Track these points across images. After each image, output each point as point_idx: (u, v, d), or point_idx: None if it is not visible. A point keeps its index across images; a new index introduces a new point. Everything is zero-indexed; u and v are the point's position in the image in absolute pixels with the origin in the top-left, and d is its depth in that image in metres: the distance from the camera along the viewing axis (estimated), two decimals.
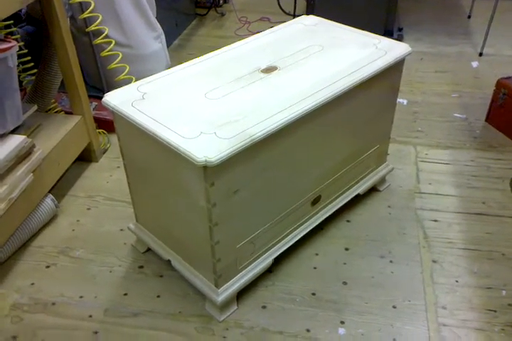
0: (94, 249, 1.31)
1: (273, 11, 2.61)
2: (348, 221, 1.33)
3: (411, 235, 1.29)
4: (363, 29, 1.27)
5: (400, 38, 2.25)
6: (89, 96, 1.74)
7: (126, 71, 1.55)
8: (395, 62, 1.11)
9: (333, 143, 1.13)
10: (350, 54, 1.12)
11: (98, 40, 1.52)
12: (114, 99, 1.01)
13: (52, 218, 1.41)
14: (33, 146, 1.28)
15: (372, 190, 1.40)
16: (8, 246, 1.27)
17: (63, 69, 1.44)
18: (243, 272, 1.10)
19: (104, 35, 1.51)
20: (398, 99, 1.80)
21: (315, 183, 1.15)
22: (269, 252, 1.14)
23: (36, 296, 1.19)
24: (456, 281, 1.16)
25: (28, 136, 1.34)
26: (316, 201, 1.18)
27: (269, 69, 1.08)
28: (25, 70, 1.64)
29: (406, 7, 2.68)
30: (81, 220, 1.41)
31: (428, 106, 1.84)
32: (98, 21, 1.50)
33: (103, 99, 1.02)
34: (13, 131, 1.30)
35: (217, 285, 1.06)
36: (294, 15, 2.36)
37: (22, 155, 1.25)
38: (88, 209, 1.45)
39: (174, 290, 1.18)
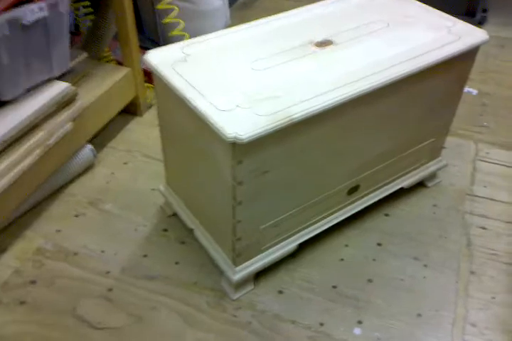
0: (123, 204, 1.30)
1: None
2: (386, 215, 1.25)
3: (453, 240, 1.19)
4: (443, 7, 1.14)
5: (482, 21, 2.04)
6: (143, 48, 1.71)
7: (180, 27, 1.48)
8: (468, 49, 0.98)
9: (382, 133, 1.03)
10: (418, 36, 1.00)
11: None
12: (155, 58, 0.95)
13: (90, 167, 1.41)
14: (76, 94, 1.26)
15: (420, 184, 1.29)
16: (42, 190, 1.28)
17: (117, 18, 1.39)
18: (264, 254, 1.05)
19: None
20: (467, 89, 1.66)
21: (354, 172, 1.07)
22: (294, 237, 1.08)
23: (61, 244, 1.19)
24: (493, 298, 1.07)
25: (73, 84, 1.32)
26: (353, 190, 1.10)
27: (324, 44, 0.98)
28: (86, 14, 1.60)
29: None
30: (116, 173, 1.40)
31: (500, 100, 1.67)
32: None
33: (144, 56, 0.96)
34: (60, 77, 1.28)
35: (236, 264, 1.02)
36: None
37: (64, 102, 1.23)
38: (125, 163, 1.43)
39: (193, 260, 1.15)
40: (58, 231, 1.23)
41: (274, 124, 0.80)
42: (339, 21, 1.06)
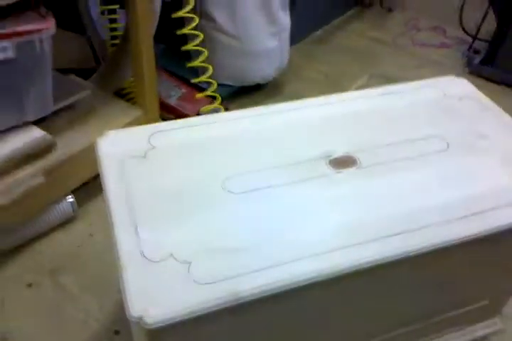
0: (85, 281, 1.07)
1: (453, 19, 1.99)
2: None
3: None
4: None
5: None
6: (181, 80, 1.47)
7: (204, 56, 1.22)
8: None
9: (399, 303, 0.71)
10: (487, 172, 0.67)
11: (181, 12, 1.18)
12: (110, 145, 0.70)
13: (69, 222, 1.19)
14: (52, 145, 1.04)
15: None
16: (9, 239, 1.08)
17: (132, 45, 1.14)
18: None
19: (188, 8, 1.17)
20: None
21: None
22: None
23: None
24: None
25: (67, 124, 1.12)
26: None
27: (343, 163, 0.67)
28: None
29: None
30: (94, 236, 1.17)
31: None
32: None
33: (97, 140, 0.71)
34: (57, 113, 1.08)
35: None
36: (475, 39, 1.78)
37: (35, 154, 1.02)
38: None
39: None
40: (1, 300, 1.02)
41: (211, 303, 0.52)
42: (378, 128, 0.74)
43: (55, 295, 1.04)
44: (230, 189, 0.64)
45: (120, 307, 1.01)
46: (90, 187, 1.26)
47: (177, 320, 0.51)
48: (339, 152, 0.69)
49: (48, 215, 1.13)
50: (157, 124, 0.75)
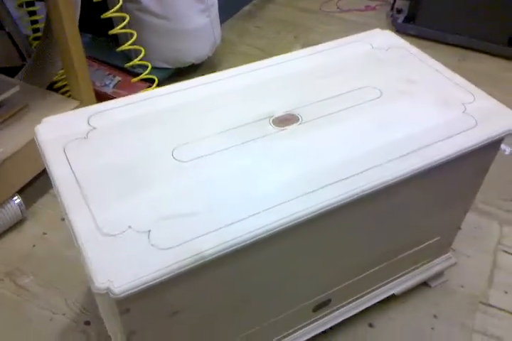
0: (46, 279, 1.04)
1: None
2: (370, 325, 0.95)
3: None
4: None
5: None
6: (114, 67, 1.44)
7: (133, 39, 1.20)
8: (488, 142, 0.67)
9: (359, 244, 0.74)
10: (420, 114, 0.70)
11: None
12: (48, 130, 0.68)
13: (20, 223, 1.16)
14: None
15: (421, 283, 0.99)
16: None
17: (58, 37, 1.10)
18: None
19: None
20: None
21: (323, 287, 0.78)
22: None
23: None
24: None
25: (3, 122, 1.08)
26: (320, 306, 0.82)
27: (286, 121, 0.69)
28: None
29: None
30: (48, 234, 1.14)
31: None
32: None
33: (35, 128, 0.69)
34: None
35: None
36: (392, 8, 1.84)
37: None
38: (62, 219, 1.17)
39: None
40: None
41: (175, 266, 0.52)
42: (314, 85, 0.75)
43: (16, 297, 1.01)
44: (178, 158, 0.64)
45: (86, 298, 1.01)
46: (35, 187, 1.23)
47: (143, 286, 0.51)
48: (280, 111, 0.70)
49: None
50: (94, 106, 0.74)
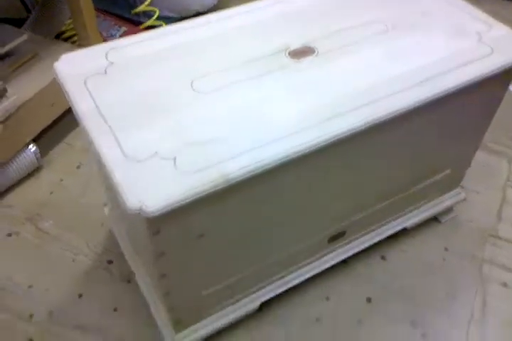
0: (66, 222, 1.07)
1: None
2: (383, 257, 0.99)
3: (464, 301, 0.93)
4: None
5: None
6: (119, 18, 1.43)
7: (148, 1, 1.19)
8: (504, 69, 0.68)
9: (370, 175, 0.76)
10: (433, 45, 0.70)
11: None
12: (68, 66, 0.69)
13: (36, 171, 1.18)
14: (4, 91, 1.01)
15: (431, 218, 1.02)
16: None
17: None
18: (215, 316, 0.82)
19: None
20: None
21: (335, 221, 0.81)
22: (255, 295, 0.85)
23: None
24: None
25: (14, 70, 1.08)
26: (336, 237, 0.85)
27: (302, 53, 0.69)
28: None
29: None
30: (64, 181, 1.16)
31: None
32: None
33: (54, 64, 0.70)
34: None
35: (176, 330, 0.80)
36: None
37: None
38: (78, 167, 1.20)
39: (136, 307, 0.93)
40: None
41: (202, 188, 0.54)
42: (328, 19, 0.75)
43: (38, 240, 1.04)
44: (197, 90, 0.65)
45: (106, 239, 1.04)
46: (49, 137, 1.25)
47: (173, 206, 0.53)
48: (295, 44, 0.71)
49: (12, 167, 1.11)
50: (109, 43, 0.74)
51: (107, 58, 0.70)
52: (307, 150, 0.58)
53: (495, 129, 1.21)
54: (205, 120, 0.61)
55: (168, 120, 0.61)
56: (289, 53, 0.69)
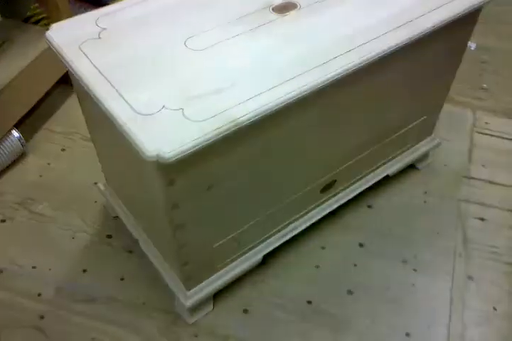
0: (59, 203, 1.09)
1: None
2: (369, 206, 1.06)
3: (447, 236, 1.01)
4: None
5: None
6: (87, 2, 1.44)
7: None
8: (466, 13, 0.75)
9: (358, 121, 0.82)
10: None
11: None
12: (60, 35, 0.71)
13: (21, 158, 1.19)
14: None
15: (409, 166, 1.10)
16: None
17: None
18: (222, 271, 0.87)
19: None
20: None
21: (327, 169, 0.86)
22: (258, 248, 0.90)
23: None
24: (494, 309, 0.91)
25: None
26: (327, 187, 0.91)
27: (285, 8, 0.74)
28: None
29: None
30: (52, 164, 1.18)
31: (503, 56, 1.42)
32: None
33: (46, 34, 0.72)
34: None
35: (187, 287, 0.84)
36: None
37: None
38: (62, 149, 1.21)
39: (142, 274, 0.96)
40: None
41: (213, 133, 0.58)
42: None
43: (33, 223, 1.05)
44: (192, 48, 0.69)
45: (103, 215, 1.07)
46: (29, 123, 1.25)
47: (189, 152, 0.57)
48: (277, 0, 0.75)
49: None
50: (100, 9, 0.76)
51: (97, 25, 0.73)
52: (307, 92, 0.63)
53: (458, 83, 1.30)
54: (205, 74, 0.65)
55: (169, 76, 0.64)
56: (273, 9, 0.74)
